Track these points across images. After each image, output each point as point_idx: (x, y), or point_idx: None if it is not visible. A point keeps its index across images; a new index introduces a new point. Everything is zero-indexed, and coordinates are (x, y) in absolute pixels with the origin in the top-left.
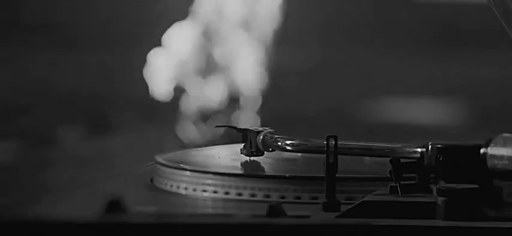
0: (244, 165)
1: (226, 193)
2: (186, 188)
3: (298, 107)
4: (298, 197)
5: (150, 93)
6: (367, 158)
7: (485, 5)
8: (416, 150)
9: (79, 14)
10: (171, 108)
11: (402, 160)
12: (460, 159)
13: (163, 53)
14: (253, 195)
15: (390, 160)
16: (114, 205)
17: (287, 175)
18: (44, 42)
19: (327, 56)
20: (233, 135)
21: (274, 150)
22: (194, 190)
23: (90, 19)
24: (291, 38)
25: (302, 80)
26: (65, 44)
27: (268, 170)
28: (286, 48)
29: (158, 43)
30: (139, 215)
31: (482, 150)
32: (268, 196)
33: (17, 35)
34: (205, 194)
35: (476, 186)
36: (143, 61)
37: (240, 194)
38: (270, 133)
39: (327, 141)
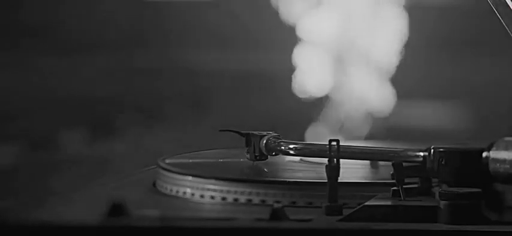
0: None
1: (226, 198)
2: (191, 193)
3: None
4: (295, 202)
5: (303, 91)
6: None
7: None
8: (418, 153)
9: (80, 17)
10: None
11: (404, 164)
12: (462, 163)
13: (310, 48)
14: (254, 200)
15: (392, 164)
16: (117, 209)
17: (288, 180)
18: (46, 45)
19: None
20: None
21: (278, 154)
22: (199, 195)
23: (91, 21)
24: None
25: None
26: (67, 46)
27: (281, 175)
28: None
29: (161, 44)
30: (141, 219)
31: (484, 154)
32: (269, 201)
33: (18, 37)
34: (208, 198)
35: (479, 190)
36: (147, 62)
37: (242, 199)
38: (274, 137)
39: (329, 144)
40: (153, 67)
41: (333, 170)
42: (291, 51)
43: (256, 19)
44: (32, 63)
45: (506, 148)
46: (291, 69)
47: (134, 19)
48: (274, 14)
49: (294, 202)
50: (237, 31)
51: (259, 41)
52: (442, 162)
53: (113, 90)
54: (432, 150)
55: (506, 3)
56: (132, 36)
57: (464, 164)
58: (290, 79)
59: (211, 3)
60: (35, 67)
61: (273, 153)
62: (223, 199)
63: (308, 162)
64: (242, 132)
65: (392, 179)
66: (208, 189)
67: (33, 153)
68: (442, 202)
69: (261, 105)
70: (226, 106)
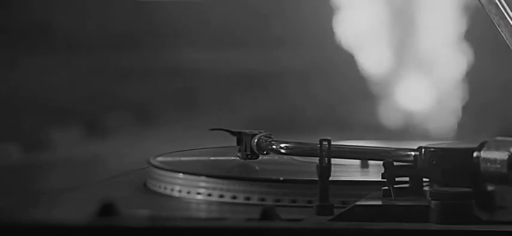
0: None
1: (221, 196)
2: (179, 191)
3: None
4: (293, 201)
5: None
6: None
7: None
8: (409, 153)
9: (71, 16)
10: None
11: (395, 163)
12: (453, 163)
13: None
14: (247, 198)
15: (383, 164)
16: (107, 209)
17: (281, 178)
18: (37, 44)
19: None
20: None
21: (269, 153)
22: (188, 192)
23: (83, 21)
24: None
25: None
26: (58, 46)
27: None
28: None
29: (153, 44)
30: (132, 219)
31: (475, 154)
32: (262, 199)
33: (10, 37)
34: (199, 197)
35: (469, 190)
36: (139, 62)
37: (234, 197)
38: (265, 136)
39: (320, 143)
40: (146, 66)
41: (324, 170)
42: (287, 50)
43: (250, 17)
44: (23, 63)
45: (497, 148)
46: (290, 68)
47: (126, 19)
48: (269, 12)
49: (278, 200)
50: (231, 30)
51: (254, 40)
52: (433, 162)
53: (104, 90)
54: (423, 150)
55: (496, 3)
56: (125, 35)
57: (455, 164)
58: (289, 79)
59: (203, 3)
60: (26, 67)
61: (264, 152)
62: (221, 196)
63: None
64: (233, 130)
65: (383, 178)
66: (199, 187)
67: (25, 153)
68: (433, 202)
69: (256, 105)
70: (219, 105)
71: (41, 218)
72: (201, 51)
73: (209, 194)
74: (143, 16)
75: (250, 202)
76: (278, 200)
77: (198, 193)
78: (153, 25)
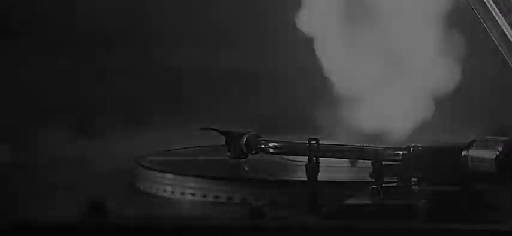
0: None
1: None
2: (171, 191)
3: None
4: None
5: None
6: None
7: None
8: (397, 152)
9: (60, 15)
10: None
11: (384, 163)
12: (441, 161)
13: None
14: (236, 199)
15: (372, 163)
16: (96, 208)
17: (269, 179)
18: (25, 44)
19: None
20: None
21: (258, 152)
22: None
23: (74, 20)
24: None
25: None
26: (46, 45)
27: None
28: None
29: (143, 43)
30: (121, 218)
31: (463, 152)
32: (255, 199)
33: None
34: (188, 197)
35: (457, 188)
36: (129, 61)
37: (221, 198)
38: (254, 135)
39: (309, 143)
40: (135, 65)
41: (312, 169)
42: (275, 50)
43: (239, 17)
44: (12, 62)
45: (485, 147)
46: (277, 69)
47: (116, 17)
48: (258, 12)
49: (274, 201)
50: (221, 29)
51: (245, 39)
52: (421, 161)
53: (94, 89)
54: (412, 149)
55: (485, 2)
56: (115, 34)
57: (444, 163)
58: (278, 79)
59: (192, 1)
60: (15, 66)
61: (254, 151)
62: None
63: None
64: (223, 130)
65: (372, 178)
66: (189, 187)
67: (14, 153)
68: (422, 201)
69: (246, 104)
70: (209, 105)
71: (30, 217)
72: (190, 50)
73: (203, 195)
74: (133, 15)
75: (233, 201)
76: (274, 201)
77: (192, 194)
78: (142, 23)
